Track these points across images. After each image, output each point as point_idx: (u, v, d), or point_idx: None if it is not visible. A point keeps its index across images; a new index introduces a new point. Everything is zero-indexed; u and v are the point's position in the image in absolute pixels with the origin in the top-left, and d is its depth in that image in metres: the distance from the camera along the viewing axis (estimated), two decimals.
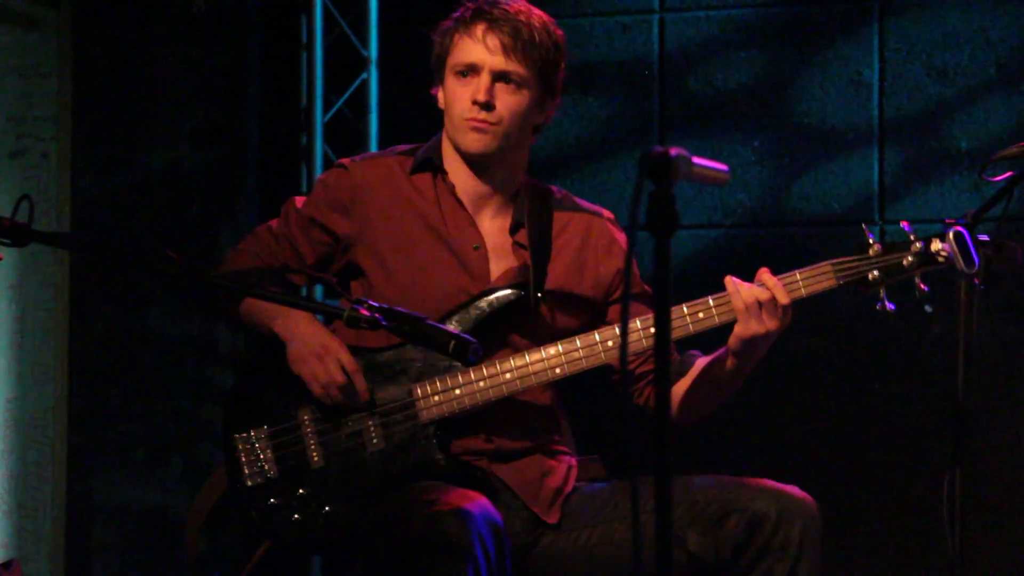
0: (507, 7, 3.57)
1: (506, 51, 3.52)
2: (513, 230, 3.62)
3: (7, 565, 4.20)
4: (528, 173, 3.69)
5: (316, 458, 3.53)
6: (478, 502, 3.30)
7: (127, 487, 5.56)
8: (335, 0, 5.69)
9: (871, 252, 3.41)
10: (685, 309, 3.44)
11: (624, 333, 3.17)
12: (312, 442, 3.53)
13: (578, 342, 3.48)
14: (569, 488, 3.60)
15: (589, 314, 3.62)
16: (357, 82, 5.69)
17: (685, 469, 3.15)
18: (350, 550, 3.50)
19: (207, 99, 5.64)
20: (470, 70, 3.54)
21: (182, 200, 5.63)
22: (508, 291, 3.54)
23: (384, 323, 3.14)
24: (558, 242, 3.62)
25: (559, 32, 3.60)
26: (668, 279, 2.34)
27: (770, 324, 3.38)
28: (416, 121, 3.95)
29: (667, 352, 2.36)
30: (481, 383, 3.49)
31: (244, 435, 3.55)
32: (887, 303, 3.41)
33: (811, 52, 5.34)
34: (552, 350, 3.49)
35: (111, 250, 3.55)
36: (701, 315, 3.43)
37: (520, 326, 3.56)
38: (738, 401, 3.73)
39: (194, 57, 5.63)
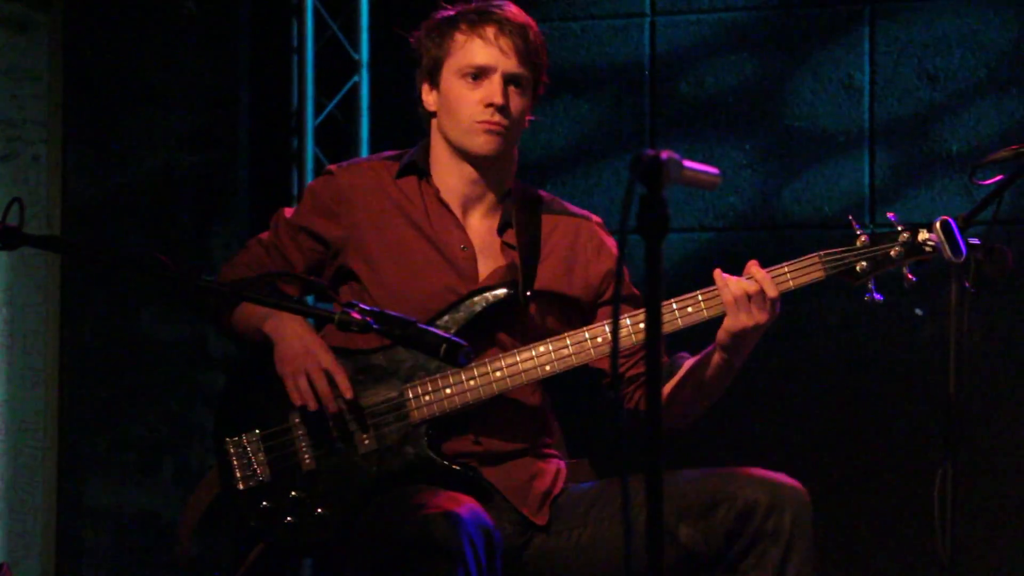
0: (507, 10, 3.57)
1: (519, 54, 3.53)
2: (501, 230, 3.62)
3: None
4: (517, 176, 3.69)
5: (308, 460, 3.52)
6: (468, 505, 3.31)
7: (118, 490, 5.56)
8: (326, 3, 5.69)
9: (859, 243, 3.42)
10: (674, 304, 3.44)
11: (615, 338, 3.17)
12: (303, 444, 3.53)
13: (568, 340, 3.49)
14: (558, 491, 3.60)
15: (578, 316, 3.63)
16: (348, 85, 5.69)
17: (674, 466, 3.15)
18: (342, 552, 3.50)
19: (198, 102, 5.64)
20: (481, 73, 3.54)
21: (173, 203, 5.62)
22: (496, 290, 3.54)
23: (375, 326, 3.14)
24: (547, 244, 3.63)
25: None
26: (659, 282, 2.34)
27: (759, 317, 3.38)
28: (407, 124, 3.95)
29: (658, 356, 2.36)
30: (471, 382, 3.49)
31: (235, 439, 3.55)
32: (875, 294, 3.41)
33: (802, 55, 5.34)
34: (542, 348, 3.49)
35: (102, 253, 3.54)
36: (690, 309, 3.44)
37: (509, 325, 3.56)
38: (731, 402, 3.73)
39: (185, 60, 5.63)
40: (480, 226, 3.62)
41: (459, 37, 3.55)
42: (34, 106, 5.56)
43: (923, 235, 3.37)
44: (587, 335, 3.49)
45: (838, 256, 3.43)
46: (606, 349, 3.47)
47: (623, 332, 3.47)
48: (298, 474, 3.52)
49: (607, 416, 3.72)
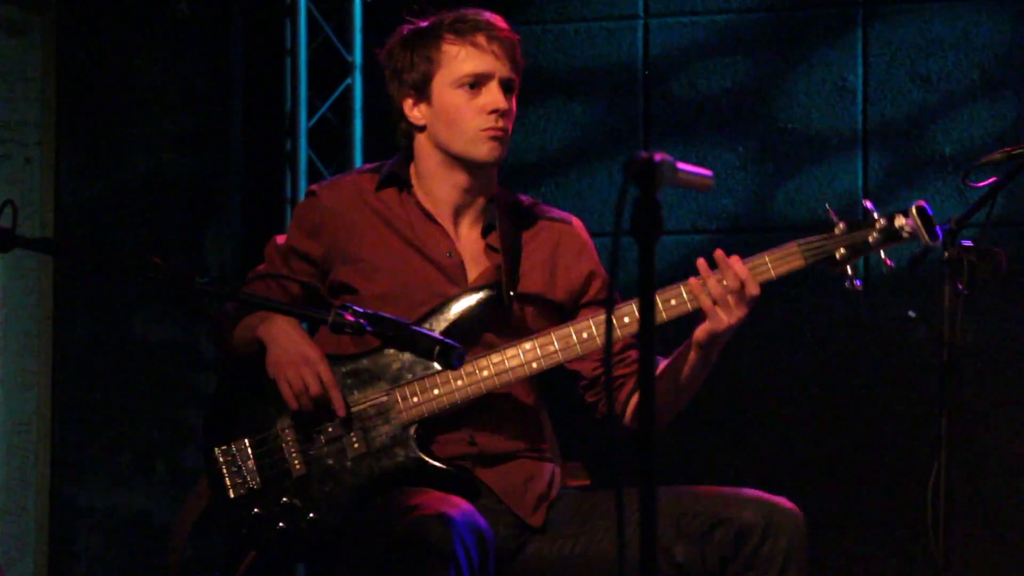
0: (488, 16, 3.58)
1: (511, 59, 3.55)
2: (485, 233, 3.62)
3: None
4: (513, 178, 3.70)
5: (297, 465, 3.52)
6: (461, 507, 3.30)
7: (111, 492, 5.55)
8: (319, 5, 5.69)
9: (837, 231, 3.42)
10: (657, 299, 3.42)
11: (608, 343, 3.16)
12: (293, 450, 3.53)
13: (553, 336, 3.48)
14: (554, 494, 3.60)
15: (561, 318, 3.62)
16: (341, 87, 5.69)
17: (670, 479, 3.14)
18: (334, 556, 3.50)
19: (191, 104, 5.64)
20: (479, 80, 3.54)
21: (166, 205, 5.62)
22: (482, 291, 3.54)
23: (369, 328, 3.14)
24: (529, 247, 3.63)
25: None
26: (652, 285, 2.34)
27: (739, 312, 3.38)
28: None
29: (652, 358, 2.35)
30: (459, 382, 3.49)
31: (224, 447, 3.55)
32: (855, 281, 3.41)
33: (795, 57, 5.35)
34: (528, 345, 3.48)
35: (95, 255, 3.54)
36: (673, 302, 3.43)
37: (495, 326, 3.56)
38: (725, 406, 3.73)
39: (178, 62, 5.63)
40: (469, 233, 3.63)
41: (448, 48, 3.55)
42: (27, 108, 5.56)
43: (899, 221, 3.37)
44: (572, 331, 3.48)
45: (817, 243, 3.43)
46: (592, 344, 3.47)
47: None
48: (288, 480, 3.52)
49: (596, 424, 3.70)
